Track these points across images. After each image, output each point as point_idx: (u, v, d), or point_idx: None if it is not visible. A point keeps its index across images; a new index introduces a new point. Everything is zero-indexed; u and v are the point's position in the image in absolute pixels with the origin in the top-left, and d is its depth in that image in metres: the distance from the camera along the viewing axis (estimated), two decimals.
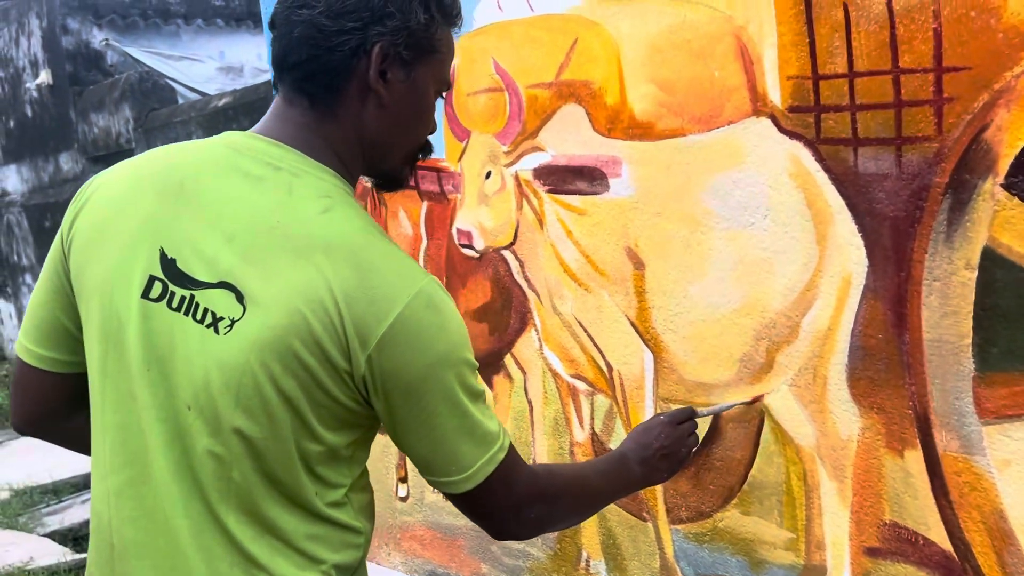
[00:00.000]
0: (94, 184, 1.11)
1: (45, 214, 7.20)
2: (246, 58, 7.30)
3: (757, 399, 1.63)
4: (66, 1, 6.57)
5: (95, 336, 1.06)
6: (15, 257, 7.91)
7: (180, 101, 5.94)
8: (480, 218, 2.00)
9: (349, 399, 1.03)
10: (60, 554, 4.12)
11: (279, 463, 1.03)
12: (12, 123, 7.51)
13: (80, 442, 1.24)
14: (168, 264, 1.02)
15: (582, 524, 1.98)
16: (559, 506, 1.21)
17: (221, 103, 4.98)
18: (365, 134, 1.08)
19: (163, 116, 5.52)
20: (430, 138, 1.19)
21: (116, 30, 6.69)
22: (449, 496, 1.12)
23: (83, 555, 4.13)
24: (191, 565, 1.05)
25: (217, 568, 1.05)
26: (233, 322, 0.99)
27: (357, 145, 1.08)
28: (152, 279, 1.02)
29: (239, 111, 4.82)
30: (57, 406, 1.18)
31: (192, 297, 1.01)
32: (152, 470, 1.04)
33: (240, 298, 0.99)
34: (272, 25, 1.08)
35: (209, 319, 1.00)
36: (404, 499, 2.44)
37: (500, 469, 1.09)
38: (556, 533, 2.04)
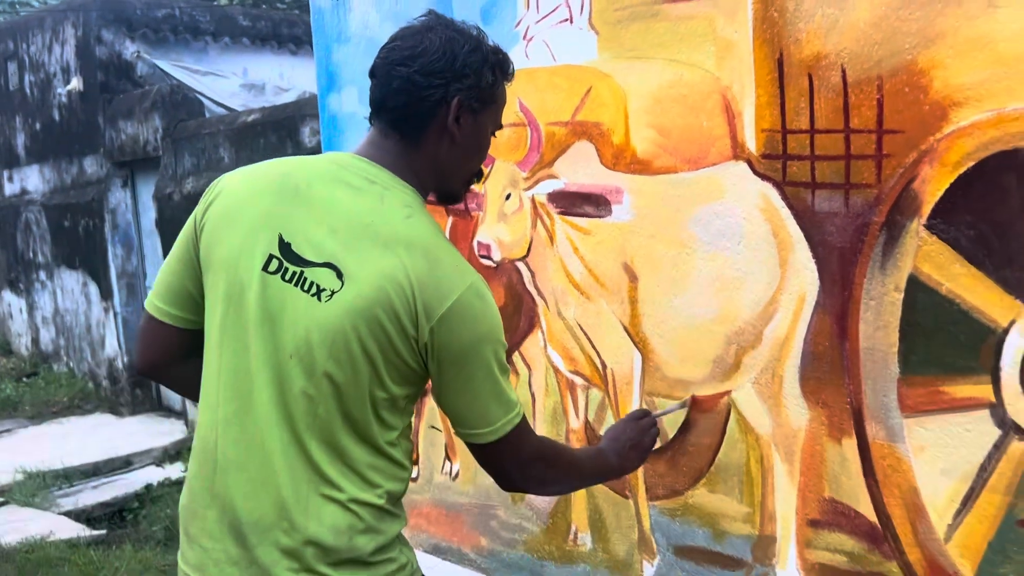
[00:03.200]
0: (221, 183, 1.43)
1: (65, 214, 7.51)
2: (268, 76, 7.66)
3: (686, 402, 1.97)
4: (102, 14, 6.94)
5: (220, 298, 1.38)
6: (30, 254, 8.19)
7: (207, 114, 6.28)
8: (498, 233, 2.33)
9: (413, 360, 1.35)
10: (78, 530, 4.40)
11: (355, 404, 1.35)
12: (38, 125, 7.84)
13: (183, 386, 1.56)
14: (284, 247, 1.34)
15: (572, 501, 2.29)
16: (555, 470, 1.53)
17: (250, 119, 5.30)
18: (439, 163, 1.40)
19: (191, 128, 5.85)
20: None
21: (148, 43, 7.05)
22: (473, 446, 1.44)
23: (99, 532, 4.41)
24: (279, 480, 1.35)
25: (298, 482, 1.35)
26: (333, 293, 1.31)
27: (432, 171, 1.41)
28: (271, 257, 1.34)
29: (267, 127, 5.14)
30: (173, 354, 1.50)
31: (301, 272, 1.33)
32: (255, 404, 1.36)
33: (340, 275, 1.31)
34: (372, 75, 1.40)
35: (314, 290, 1.32)
36: (414, 480, 2.75)
37: (516, 429, 1.41)
38: (549, 509, 2.35)
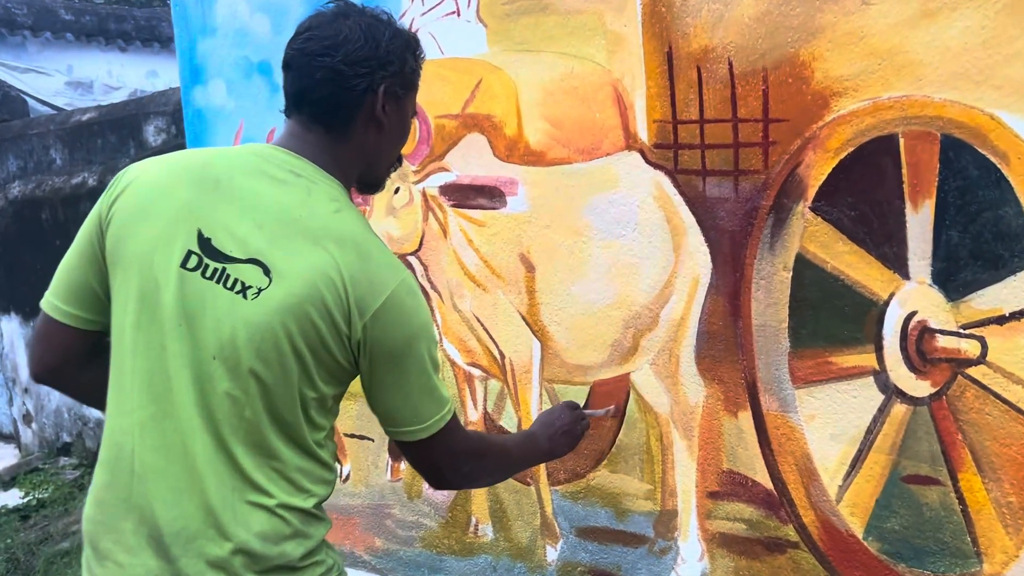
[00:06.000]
0: (130, 174, 1.35)
1: None
2: (96, 74, 7.21)
3: (609, 411, 2.00)
4: None
5: (132, 296, 1.29)
6: None
7: (31, 114, 5.84)
8: (388, 228, 2.31)
9: (344, 358, 1.32)
10: None
11: (284, 404, 1.30)
12: None
13: (83, 392, 1.46)
14: (204, 242, 1.27)
15: (472, 493, 2.30)
16: (485, 464, 1.53)
17: (85, 118, 4.97)
18: (366, 152, 1.37)
19: (16, 128, 5.42)
20: None
21: None
22: (404, 444, 1.42)
23: None
24: (204, 485, 1.29)
25: (224, 489, 1.29)
26: (260, 290, 1.26)
27: (359, 161, 1.37)
28: (190, 253, 1.27)
29: (105, 127, 4.83)
30: (73, 358, 1.39)
31: (224, 269, 1.27)
32: (175, 407, 1.28)
33: (267, 272, 1.26)
34: (287, 67, 1.35)
35: (238, 287, 1.26)
36: None
37: (447, 426, 1.40)
38: (448, 503, 2.35)
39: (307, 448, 1.34)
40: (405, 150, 2.26)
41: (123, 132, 4.73)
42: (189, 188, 1.31)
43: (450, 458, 1.45)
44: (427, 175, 2.23)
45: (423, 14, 2.20)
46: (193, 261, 1.28)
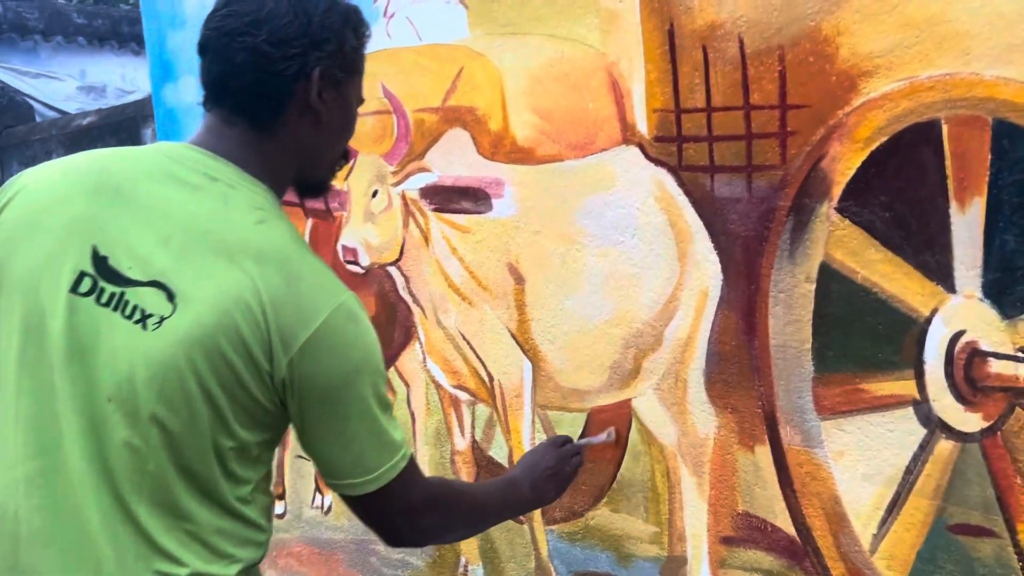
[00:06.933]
0: (20, 181, 1.14)
1: None
2: (109, 78, 7.09)
3: (611, 434, 1.68)
4: None
5: (16, 327, 1.08)
6: None
7: (39, 119, 5.73)
8: (366, 235, 2.08)
9: (266, 400, 1.09)
10: None
11: (195, 456, 1.08)
12: None
13: None
14: (100, 261, 1.06)
15: None
16: (451, 517, 1.29)
17: (85, 122, 4.83)
18: (301, 149, 1.15)
19: (20, 133, 5.30)
20: None
21: None
22: (349, 499, 1.18)
23: None
24: (100, 554, 1.07)
25: (124, 557, 1.08)
26: (162, 319, 1.04)
27: (292, 160, 1.15)
28: (82, 274, 1.06)
29: (105, 131, 4.68)
30: None
31: (122, 294, 1.05)
32: (66, 460, 1.07)
33: (171, 297, 1.04)
34: (203, 50, 1.13)
35: (138, 315, 1.04)
36: (281, 516, 2.46)
37: (401, 476, 1.17)
38: None
39: (227, 506, 1.12)
40: (380, 149, 2.04)
41: (122, 135, 4.58)
42: (85, 197, 1.10)
43: (406, 513, 1.22)
44: (406, 176, 2.00)
45: None
46: (86, 284, 1.07)
